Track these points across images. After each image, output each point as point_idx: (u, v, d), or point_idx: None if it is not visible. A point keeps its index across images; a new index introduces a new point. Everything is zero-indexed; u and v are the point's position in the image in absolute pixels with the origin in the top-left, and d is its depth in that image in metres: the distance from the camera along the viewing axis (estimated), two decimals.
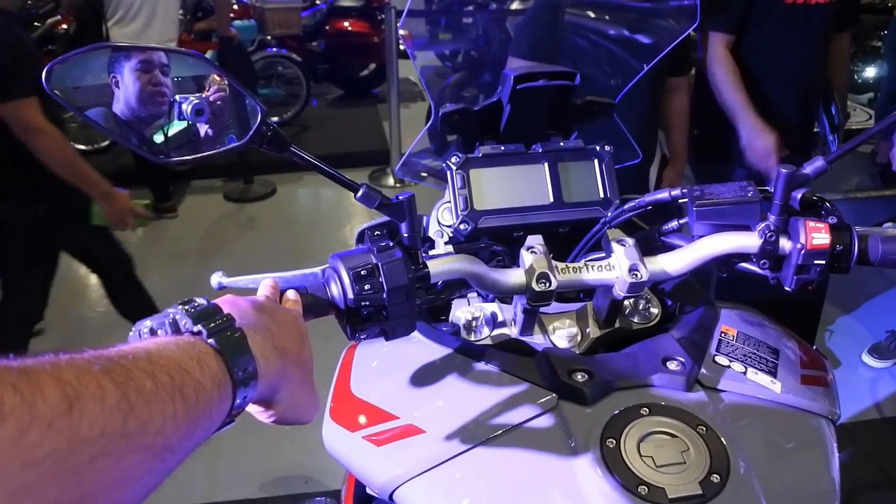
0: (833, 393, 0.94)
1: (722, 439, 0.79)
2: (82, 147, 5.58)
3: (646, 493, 0.73)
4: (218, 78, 0.89)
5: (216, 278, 0.90)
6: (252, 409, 0.64)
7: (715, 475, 0.75)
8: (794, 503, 0.78)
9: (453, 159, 1.06)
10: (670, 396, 0.84)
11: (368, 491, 1.03)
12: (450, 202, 1.07)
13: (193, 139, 0.89)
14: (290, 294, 0.76)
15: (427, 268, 0.83)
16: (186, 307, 0.59)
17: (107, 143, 5.52)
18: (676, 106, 2.56)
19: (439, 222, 1.13)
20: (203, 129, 0.88)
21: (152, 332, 0.59)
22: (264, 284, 0.75)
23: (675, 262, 0.91)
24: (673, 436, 0.79)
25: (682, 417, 0.81)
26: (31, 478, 0.37)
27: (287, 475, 2.55)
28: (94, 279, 3.99)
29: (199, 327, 0.56)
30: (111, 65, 0.86)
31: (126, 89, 0.86)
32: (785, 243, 0.88)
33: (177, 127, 0.89)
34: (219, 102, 0.88)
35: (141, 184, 4.76)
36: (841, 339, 3.26)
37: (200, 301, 0.60)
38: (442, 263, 0.85)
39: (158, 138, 0.88)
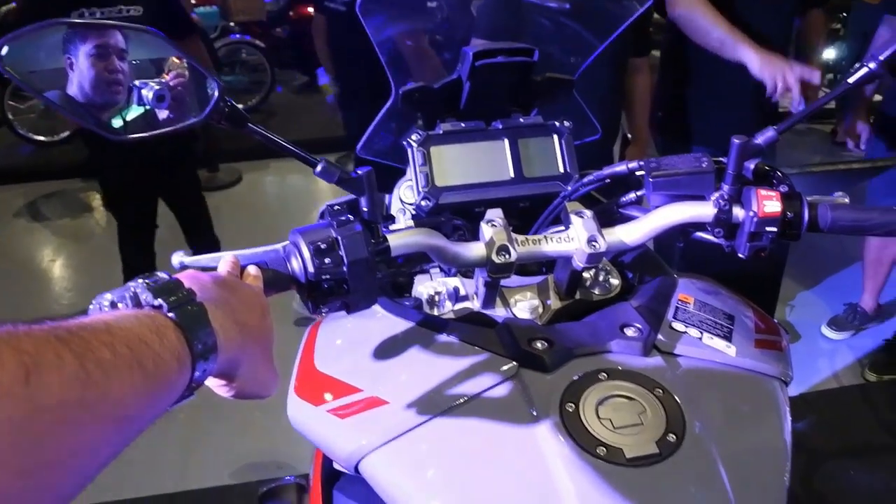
0: (786, 356, 0.97)
1: (678, 401, 0.81)
2: (42, 138, 5.50)
3: (604, 454, 0.75)
4: (177, 60, 0.89)
5: (177, 258, 0.90)
6: (212, 382, 0.65)
7: (671, 435, 0.77)
8: (748, 460, 0.80)
9: (414, 136, 1.07)
10: (628, 361, 0.87)
11: (336, 466, 1.04)
12: (411, 180, 1.08)
13: (151, 121, 0.88)
14: (251, 270, 0.76)
15: (387, 241, 0.84)
16: (147, 281, 0.59)
17: (68, 133, 5.42)
18: (638, 86, 2.59)
19: (401, 200, 1.14)
20: (163, 113, 0.88)
21: (113, 304, 0.59)
22: (224, 261, 0.75)
23: (633, 232, 0.93)
24: (630, 399, 0.81)
25: (639, 381, 0.83)
26: None
27: (259, 461, 2.55)
28: (56, 272, 3.95)
29: (159, 301, 0.56)
30: (66, 45, 0.85)
31: (81, 74, 0.85)
32: (738, 212, 0.90)
33: (136, 112, 0.88)
34: (179, 87, 0.87)
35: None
36: (801, 312, 3.33)
37: (161, 275, 0.61)
38: (402, 237, 0.85)
39: (116, 123, 0.88)
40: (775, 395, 0.90)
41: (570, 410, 0.79)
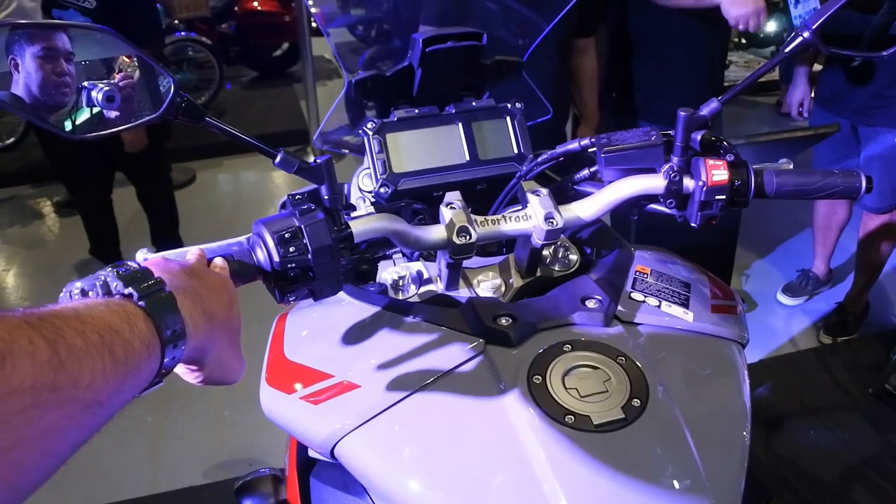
0: (741, 320, 1.01)
1: (640, 367, 0.84)
2: None
3: (573, 422, 0.77)
4: (127, 59, 0.88)
5: (141, 255, 0.90)
6: (180, 369, 0.66)
7: (635, 400, 0.80)
8: (710, 421, 0.83)
9: (369, 125, 1.08)
10: (590, 332, 0.89)
11: (311, 454, 1.05)
12: (369, 168, 1.09)
13: (102, 121, 0.88)
14: (218, 261, 0.77)
15: (350, 228, 0.85)
16: (118, 270, 0.59)
17: (13, 140, 5.29)
18: (585, 66, 2.62)
19: (360, 189, 1.15)
20: (113, 113, 0.87)
21: (83, 293, 0.60)
22: (191, 254, 0.76)
23: (588, 207, 0.96)
24: (595, 368, 0.84)
25: (603, 350, 0.86)
26: None
27: (230, 459, 2.54)
28: (10, 282, 3.86)
29: (129, 289, 0.57)
30: (10, 46, 0.84)
31: (27, 76, 0.84)
32: (688, 182, 0.93)
33: (85, 114, 0.87)
34: (129, 88, 0.87)
35: (52, 180, 4.60)
36: (756, 281, 3.42)
37: (131, 264, 0.61)
38: (364, 223, 0.87)
39: (66, 125, 0.87)
40: (733, 358, 0.93)
41: (538, 382, 0.81)
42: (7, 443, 0.41)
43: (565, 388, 0.81)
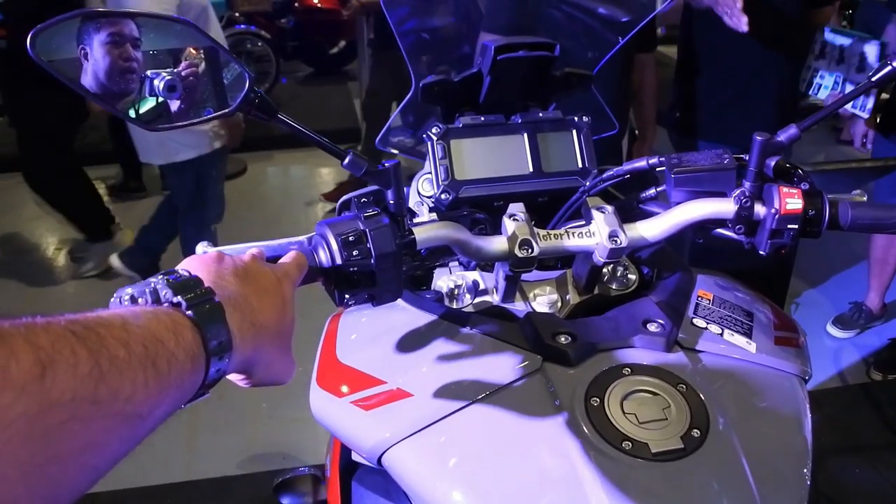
0: (804, 353, 0.97)
1: (701, 396, 0.82)
2: None
3: (630, 448, 0.75)
4: (193, 51, 0.89)
5: (201, 248, 0.91)
6: (230, 377, 0.65)
7: (695, 430, 0.78)
8: (771, 457, 0.81)
9: (434, 129, 1.07)
10: (651, 357, 0.87)
11: (354, 457, 1.05)
12: (430, 173, 1.09)
13: (167, 112, 0.88)
14: (296, 259, 0.76)
15: (413, 234, 0.84)
16: (168, 277, 0.59)
17: None
18: (644, 81, 2.60)
19: (420, 193, 1.14)
20: (175, 104, 0.87)
21: (133, 299, 0.59)
22: (249, 253, 0.75)
23: (654, 228, 0.94)
24: (654, 394, 0.82)
25: (663, 376, 0.83)
26: (1, 438, 0.38)
27: (265, 451, 2.56)
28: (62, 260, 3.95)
29: (178, 298, 0.57)
30: (80, 35, 0.85)
31: (95, 63, 0.85)
32: (759, 209, 0.91)
33: (149, 103, 0.88)
34: (191, 78, 0.87)
35: (109, 161, 4.69)
36: (807, 310, 3.34)
37: (182, 272, 0.61)
38: (427, 230, 0.86)
39: (131, 113, 0.88)
40: (795, 392, 0.90)
41: (595, 405, 0.80)
42: (44, 457, 0.40)
43: (623, 412, 0.79)
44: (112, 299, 0.61)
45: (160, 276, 0.59)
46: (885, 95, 2.92)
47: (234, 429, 2.64)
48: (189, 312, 0.56)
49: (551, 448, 0.77)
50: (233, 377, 0.66)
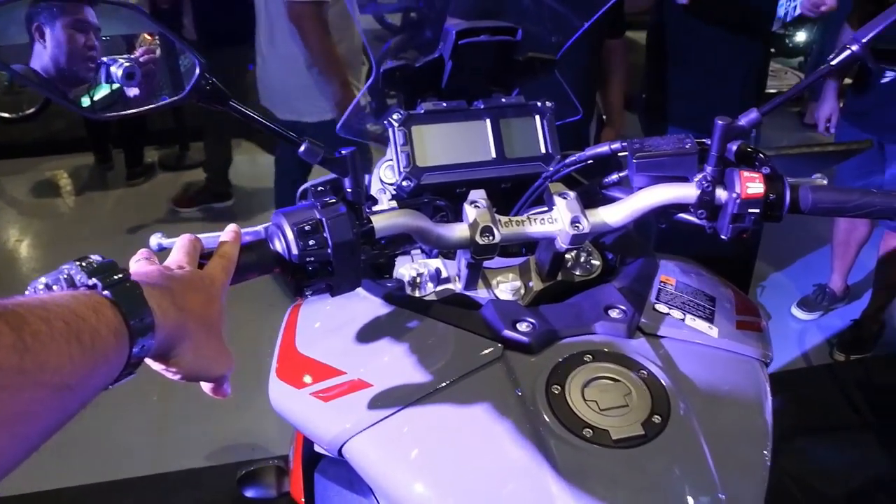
0: (766, 337, 0.98)
1: (662, 382, 0.82)
2: (6, 115, 5.35)
3: (591, 436, 0.75)
4: (149, 37, 0.86)
5: (155, 239, 0.88)
6: (156, 365, 0.65)
7: (656, 416, 0.78)
8: (731, 441, 0.81)
9: (395, 116, 1.05)
10: (613, 343, 0.87)
11: (317, 449, 1.04)
12: (391, 160, 1.07)
13: (122, 100, 0.86)
14: (226, 248, 0.74)
15: (371, 223, 0.83)
16: (81, 263, 0.60)
17: (33, 109, 5.29)
18: (613, 68, 2.59)
19: (381, 180, 1.13)
20: (133, 91, 0.85)
21: (48, 287, 0.59)
22: (181, 241, 0.73)
23: (616, 213, 0.93)
24: (616, 380, 0.81)
25: (625, 363, 0.83)
26: None
27: (233, 443, 2.53)
28: (23, 252, 3.87)
29: (94, 280, 0.57)
30: (32, 18, 0.82)
31: (57, 47, 0.82)
32: (721, 193, 0.90)
33: (103, 90, 0.85)
34: (150, 65, 0.85)
35: (71, 151, 4.61)
36: (772, 293, 3.38)
37: (95, 258, 0.61)
38: (386, 218, 0.84)
39: (84, 101, 0.85)
40: (756, 376, 0.91)
41: (556, 392, 0.79)
42: None
43: (584, 399, 0.79)
44: (27, 291, 0.61)
45: (73, 263, 0.60)
46: (847, 80, 2.95)
47: (204, 421, 2.61)
48: (106, 293, 0.56)
49: (512, 436, 0.76)
50: (158, 367, 0.65)
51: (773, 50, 6.74)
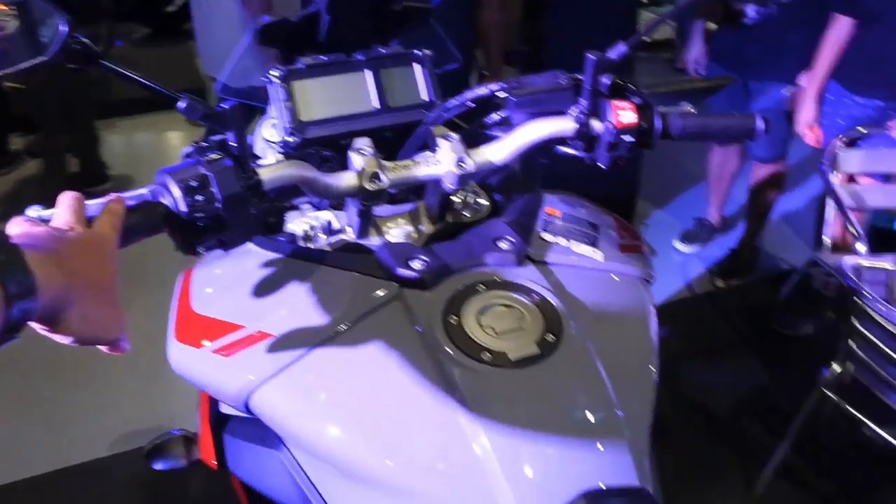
0: (646, 258, 1.04)
1: (554, 305, 0.86)
2: None
3: (490, 359, 0.79)
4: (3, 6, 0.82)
5: (34, 212, 0.85)
6: (40, 329, 0.63)
7: (550, 335, 0.82)
8: (621, 354, 0.86)
9: (275, 72, 1.04)
10: (503, 272, 0.90)
11: (223, 410, 1.04)
12: (274, 118, 1.06)
13: None
14: (112, 208, 0.72)
15: (258, 175, 0.82)
16: None
17: None
18: (491, 20, 2.62)
19: (265, 140, 1.12)
20: None
21: None
22: (64, 200, 0.70)
23: (499, 151, 0.96)
24: (509, 306, 0.85)
25: (516, 289, 0.87)
26: None
27: (138, 429, 2.46)
28: None
29: None
30: None
31: None
32: (596, 124, 0.95)
33: None
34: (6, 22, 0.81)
35: None
36: (654, 230, 3.54)
37: None
38: (273, 170, 0.84)
39: None
40: (640, 294, 0.97)
41: (454, 322, 0.82)
42: None
43: (481, 326, 0.82)
44: None
45: None
46: (713, 25, 3.10)
47: (102, 411, 2.52)
48: None
49: (416, 369, 0.79)
50: (46, 330, 0.64)
51: (644, 1, 7.00)
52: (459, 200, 1.07)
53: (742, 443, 2.39)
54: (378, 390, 0.79)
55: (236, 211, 0.77)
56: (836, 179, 2.41)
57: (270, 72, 1.04)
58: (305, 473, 0.87)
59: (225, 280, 0.97)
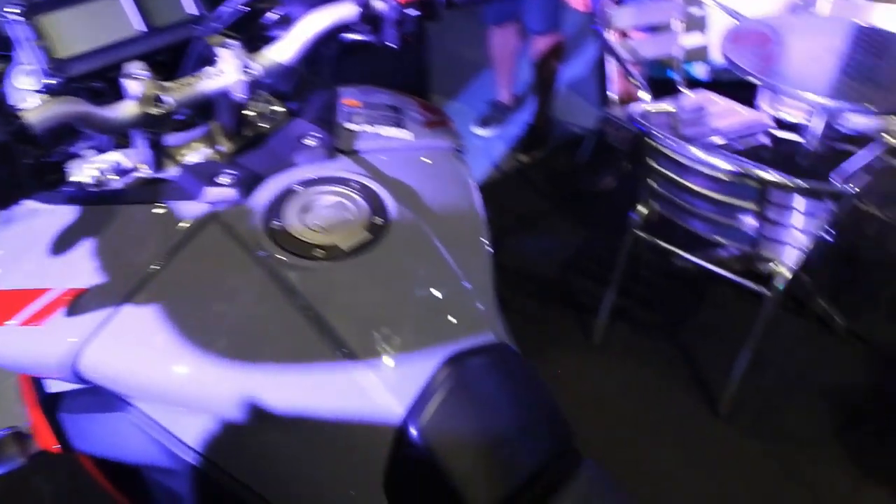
0: (454, 129, 1.05)
1: (374, 189, 0.85)
2: None
3: (323, 255, 0.77)
4: None
5: None
6: None
7: (377, 218, 0.81)
8: (452, 224, 0.87)
9: (12, 8, 0.92)
10: (317, 168, 0.88)
11: (52, 389, 0.95)
12: (26, 63, 0.94)
13: None
14: None
15: (23, 118, 0.73)
16: None
17: None
18: None
19: (21, 90, 0.99)
20: None
21: None
22: None
23: (284, 50, 0.92)
24: (330, 200, 0.83)
25: (334, 182, 0.85)
26: None
27: None
28: None
29: None
30: None
31: None
32: (379, 4, 0.92)
33: None
34: None
35: None
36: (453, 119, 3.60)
37: None
38: (42, 110, 0.75)
39: None
40: (456, 164, 0.98)
41: (277, 228, 0.79)
42: None
43: (306, 226, 0.80)
44: None
45: None
46: None
47: None
48: None
49: (250, 284, 0.76)
50: None
51: None
52: (254, 113, 1.02)
53: (574, 298, 2.55)
54: (217, 317, 0.75)
55: (4, 161, 0.69)
56: (611, 37, 2.55)
57: (5, 9, 0.92)
58: (160, 425, 0.82)
59: (14, 247, 0.87)
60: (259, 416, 0.73)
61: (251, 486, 0.76)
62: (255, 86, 0.87)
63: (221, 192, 0.83)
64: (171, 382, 0.74)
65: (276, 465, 0.75)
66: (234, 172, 0.84)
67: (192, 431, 0.79)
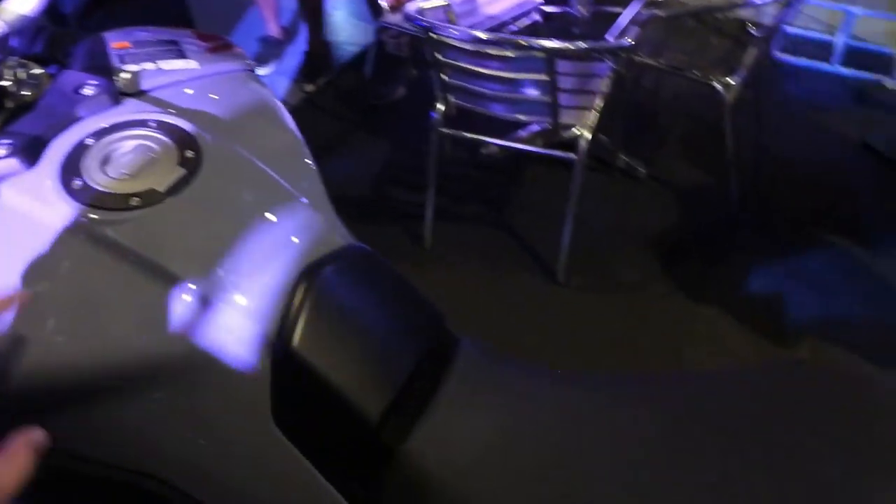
0: (240, 51, 0.99)
1: (175, 124, 0.78)
2: None
3: (140, 202, 0.70)
4: None
5: None
6: None
7: (188, 152, 0.75)
8: (269, 143, 0.83)
9: None
10: (105, 117, 0.79)
11: None
12: None
13: None
14: None
15: None
16: None
17: None
18: None
19: None
20: None
21: None
22: None
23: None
24: (130, 145, 0.76)
25: (128, 126, 0.78)
26: None
27: None
28: None
29: None
30: None
31: None
32: None
33: None
34: None
35: None
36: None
37: None
38: None
39: None
40: (254, 85, 0.94)
41: (79, 186, 0.71)
42: None
43: (112, 177, 0.72)
44: None
45: None
46: None
47: None
48: None
49: (70, 255, 0.68)
50: None
51: None
52: (10, 82, 0.90)
53: (395, 210, 2.57)
54: (42, 302, 0.67)
55: None
56: None
57: None
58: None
59: None
60: (126, 391, 0.68)
61: (144, 471, 0.71)
62: (2, 48, 0.77)
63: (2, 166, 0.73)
64: (11, 383, 0.66)
65: (163, 441, 0.70)
66: (9, 141, 0.74)
67: (62, 432, 0.72)
